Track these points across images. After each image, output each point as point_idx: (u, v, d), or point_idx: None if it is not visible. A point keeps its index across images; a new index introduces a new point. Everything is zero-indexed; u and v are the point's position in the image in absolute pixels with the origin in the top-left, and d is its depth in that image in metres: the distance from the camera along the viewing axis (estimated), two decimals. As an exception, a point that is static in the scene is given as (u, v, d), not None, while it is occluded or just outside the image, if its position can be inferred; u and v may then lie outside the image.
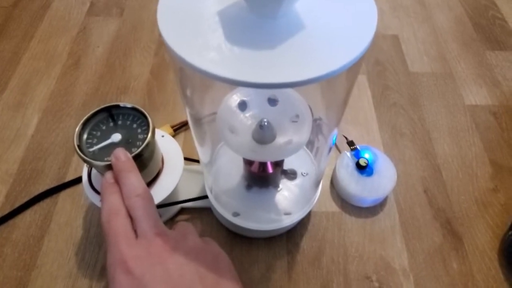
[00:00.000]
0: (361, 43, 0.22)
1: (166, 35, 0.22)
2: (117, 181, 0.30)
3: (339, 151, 0.52)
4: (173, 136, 0.52)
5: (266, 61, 0.21)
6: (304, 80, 0.20)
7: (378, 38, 0.66)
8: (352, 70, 0.23)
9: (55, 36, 0.65)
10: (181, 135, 0.53)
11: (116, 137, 0.36)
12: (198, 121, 0.35)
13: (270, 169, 0.40)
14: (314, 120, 0.41)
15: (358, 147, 0.49)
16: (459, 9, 0.72)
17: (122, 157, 0.31)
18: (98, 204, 0.39)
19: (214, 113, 0.36)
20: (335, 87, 0.31)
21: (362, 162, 0.46)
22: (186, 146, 0.51)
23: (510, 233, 0.43)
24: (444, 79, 0.61)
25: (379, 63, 0.63)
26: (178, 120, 0.53)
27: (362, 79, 0.60)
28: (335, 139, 0.36)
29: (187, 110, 0.32)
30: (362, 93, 0.59)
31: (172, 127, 0.52)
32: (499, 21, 0.70)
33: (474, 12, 0.72)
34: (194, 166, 0.48)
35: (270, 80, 0.20)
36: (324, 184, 0.49)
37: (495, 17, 0.71)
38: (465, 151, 0.52)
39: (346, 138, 0.51)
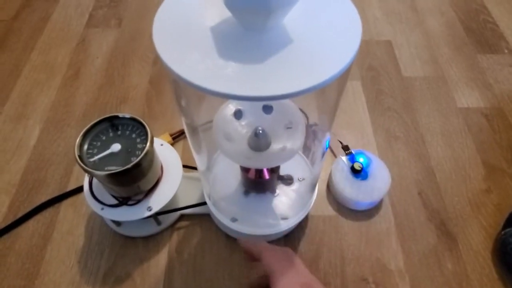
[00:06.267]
0: (348, 54, 0.23)
1: (161, 50, 0.23)
2: None
3: (335, 156, 0.53)
4: (172, 144, 0.53)
5: (257, 74, 0.22)
6: (294, 92, 0.22)
7: (371, 44, 0.68)
8: (341, 78, 0.24)
9: (55, 47, 0.67)
10: (180, 143, 0.54)
11: (116, 147, 0.37)
12: (194, 129, 0.36)
13: (266, 175, 0.41)
14: (310, 126, 0.42)
15: (353, 151, 0.50)
16: (451, 13, 0.74)
17: None
18: (99, 212, 0.40)
19: (210, 122, 0.37)
20: (327, 94, 0.32)
21: (356, 166, 0.47)
22: (185, 154, 0.52)
23: (503, 232, 0.44)
24: (436, 83, 0.62)
25: (373, 68, 0.64)
26: (177, 128, 0.54)
27: (356, 85, 0.62)
28: (328, 143, 0.37)
29: (183, 119, 0.33)
30: (357, 98, 0.60)
31: (171, 135, 0.53)
32: (490, 25, 0.71)
33: (465, 16, 0.73)
34: (193, 173, 0.49)
35: (261, 93, 0.21)
36: (320, 189, 0.50)
37: (486, 21, 0.72)
38: (458, 153, 0.53)
39: (341, 143, 0.52)
